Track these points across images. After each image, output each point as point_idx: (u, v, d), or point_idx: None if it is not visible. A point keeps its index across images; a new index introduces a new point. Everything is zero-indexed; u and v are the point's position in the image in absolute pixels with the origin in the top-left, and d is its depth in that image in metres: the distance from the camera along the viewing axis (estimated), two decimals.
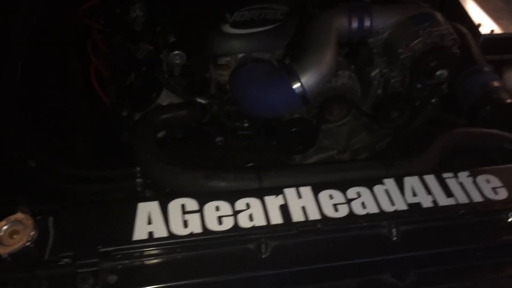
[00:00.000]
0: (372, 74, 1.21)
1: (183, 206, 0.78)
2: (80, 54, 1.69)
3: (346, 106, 1.23)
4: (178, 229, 0.74)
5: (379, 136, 1.39)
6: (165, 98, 1.28)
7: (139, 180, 1.17)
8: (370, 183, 0.86)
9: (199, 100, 1.19)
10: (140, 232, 0.73)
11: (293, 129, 1.21)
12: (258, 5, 1.10)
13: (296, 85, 1.07)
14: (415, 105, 1.24)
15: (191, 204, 0.78)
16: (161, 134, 1.27)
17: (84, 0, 1.68)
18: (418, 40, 1.13)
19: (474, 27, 1.45)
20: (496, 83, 1.22)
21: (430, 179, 0.88)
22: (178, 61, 1.21)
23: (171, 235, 0.73)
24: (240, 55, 1.16)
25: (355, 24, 1.16)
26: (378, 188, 0.85)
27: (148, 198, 0.78)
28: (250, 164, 1.22)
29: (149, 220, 0.75)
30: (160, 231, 0.73)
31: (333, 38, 1.12)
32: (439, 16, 1.17)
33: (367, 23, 1.17)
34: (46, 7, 1.56)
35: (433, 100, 1.28)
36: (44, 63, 1.59)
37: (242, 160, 1.26)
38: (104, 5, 1.60)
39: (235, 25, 1.09)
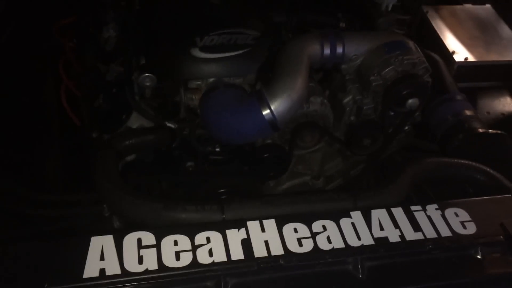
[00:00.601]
0: (345, 100, 1.20)
1: (139, 240, 0.74)
2: (54, 72, 1.66)
3: (318, 132, 1.21)
4: (132, 266, 0.70)
5: (354, 162, 1.37)
6: (135, 121, 1.25)
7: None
8: (336, 216, 0.83)
9: (168, 124, 1.16)
10: (91, 268, 0.69)
11: (265, 155, 1.19)
12: (229, 30, 1.08)
13: (266, 111, 1.05)
14: (388, 133, 1.23)
15: (148, 238, 0.75)
16: (130, 157, 1.24)
17: (60, 17, 1.66)
18: (389, 68, 1.13)
19: (448, 55, 1.45)
20: (468, 112, 1.21)
21: (398, 212, 0.86)
22: (148, 84, 1.18)
23: (124, 272, 0.69)
24: (211, 80, 1.14)
25: (327, 51, 1.15)
26: (344, 222, 0.83)
27: (102, 232, 0.74)
28: (221, 191, 1.19)
29: (102, 256, 0.71)
30: (112, 268, 0.70)
31: (305, 64, 1.11)
32: (411, 44, 1.16)
33: (339, 49, 1.16)
34: (18, 23, 1.53)
35: (406, 128, 1.27)
36: (15, 80, 1.55)
37: (213, 187, 1.23)
38: (78, 23, 1.58)
39: (205, 49, 1.07)
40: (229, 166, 1.28)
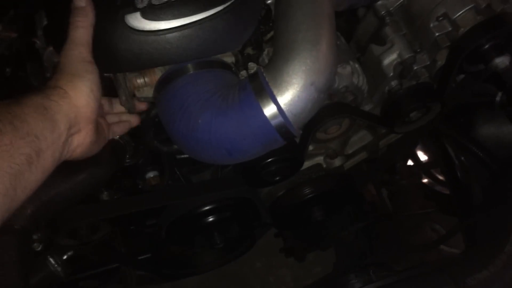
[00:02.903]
0: (386, 61, 0.75)
1: None
2: None
3: (348, 118, 0.79)
4: None
5: (384, 133, 0.97)
6: None
7: None
8: None
9: None
10: None
11: (268, 160, 0.77)
12: None
13: (271, 111, 0.61)
14: (448, 99, 0.81)
15: None
16: None
17: None
18: (466, 8, 0.67)
19: None
20: None
21: None
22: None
23: None
24: None
25: None
26: None
27: None
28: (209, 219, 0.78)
29: None
30: None
31: (327, 12, 0.64)
32: None
33: None
34: None
35: None
36: None
37: (197, 206, 0.82)
38: None
39: (151, 13, 0.57)
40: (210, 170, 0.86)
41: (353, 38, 0.82)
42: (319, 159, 0.98)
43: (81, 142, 0.55)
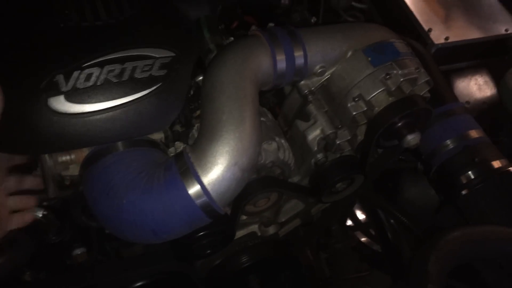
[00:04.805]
0: (310, 137, 0.79)
1: None
2: None
3: (276, 192, 0.81)
4: None
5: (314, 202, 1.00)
6: None
7: None
8: None
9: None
10: None
11: (199, 234, 0.77)
12: (119, 55, 0.60)
13: (194, 190, 0.62)
14: (371, 171, 0.86)
15: None
16: None
17: None
18: (378, 91, 0.73)
19: (424, 34, 1.09)
20: (475, 133, 0.87)
21: None
22: None
23: None
24: None
25: (282, 64, 0.72)
26: None
27: None
28: None
29: None
30: None
31: (250, 95, 0.68)
32: (402, 45, 0.77)
33: (299, 60, 0.74)
34: None
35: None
36: None
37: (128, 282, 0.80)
38: None
39: (75, 96, 0.58)
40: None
41: (281, 113, 0.86)
42: (254, 227, 0.99)
43: None
